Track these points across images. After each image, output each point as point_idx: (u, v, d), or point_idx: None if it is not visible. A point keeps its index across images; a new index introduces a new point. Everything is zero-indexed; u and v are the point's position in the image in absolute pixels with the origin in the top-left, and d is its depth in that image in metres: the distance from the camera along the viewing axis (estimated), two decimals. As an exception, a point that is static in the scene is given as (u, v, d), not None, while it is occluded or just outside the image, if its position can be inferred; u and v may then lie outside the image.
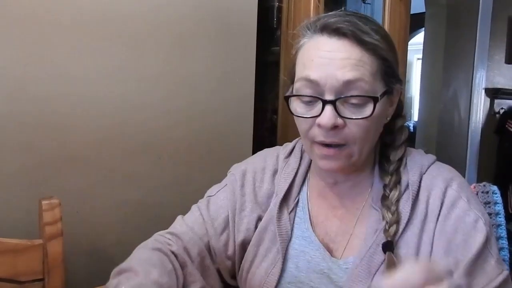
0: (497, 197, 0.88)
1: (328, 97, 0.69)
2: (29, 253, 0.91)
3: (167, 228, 0.86)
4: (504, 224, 0.87)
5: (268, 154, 0.89)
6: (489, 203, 0.88)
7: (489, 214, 0.84)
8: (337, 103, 0.69)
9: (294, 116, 0.75)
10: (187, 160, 1.37)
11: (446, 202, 0.73)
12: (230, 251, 0.83)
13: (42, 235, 0.92)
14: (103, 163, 1.22)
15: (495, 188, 0.89)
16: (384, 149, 0.79)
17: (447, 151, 3.21)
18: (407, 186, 0.75)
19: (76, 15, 1.15)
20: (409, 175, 0.76)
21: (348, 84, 0.68)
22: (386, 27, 1.63)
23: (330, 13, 0.74)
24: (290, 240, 0.80)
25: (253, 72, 1.47)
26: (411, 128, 4.62)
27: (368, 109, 0.69)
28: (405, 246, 0.72)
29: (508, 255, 0.85)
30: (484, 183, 0.90)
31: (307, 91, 0.71)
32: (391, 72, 0.73)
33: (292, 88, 0.75)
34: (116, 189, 1.25)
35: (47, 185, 1.13)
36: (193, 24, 1.32)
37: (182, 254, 0.78)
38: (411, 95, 6.65)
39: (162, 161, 1.32)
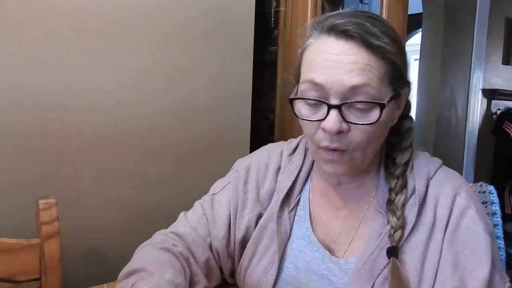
0: (493, 197, 0.88)
1: (334, 101, 0.68)
2: (26, 252, 0.91)
3: (164, 227, 0.85)
4: (501, 224, 0.87)
5: (272, 150, 0.88)
6: (485, 203, 0.88)
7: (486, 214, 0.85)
8: (343, 108, 0.67)
9: (299, 119, 0.73)
10: (184, 159, 1.36)
11: (455, 211, 0.71)
12: (230, 249, 0.83)
13: (39, 234, 0.91)
14: (100, 162, 1.22)
15: (491, 188, 0.89)
16: (390, 151, 0.78)
17: (444, 152, 3.21)
18: (414, 191, 0.73)
19: (73, 12, 1.15)
20: (416, 180, 0.74)
21: (354, 89, 0.66)
22: (383, 27, 1.63)
23: (338, 12, 0.72)
24: (288, 239, 0.80)
25: (250, 71, 1.46)
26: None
27: (374, 115, 0.68)
28: (410, 252, 0.70)
29: (505, 255, 0.86)
30: (481, 183, 0.90)
31: (312, 94, 0.69)
32: (399, 76, 0.71)
33: (297, 89, 0.74)
34: (113, 188, 1.24)
35: (43, 184, 1.13)
36: (190, 24, 1.32)
37: (187, 254, 0.78)
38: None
39: (159, 160, 1.32)
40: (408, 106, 0.78)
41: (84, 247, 1.21)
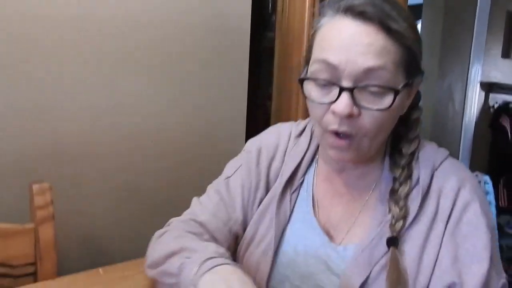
0: (488, 187, 0.88)
1: (346, 83, 0.66)
2: (21, 237, 0.91)
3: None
4: (495, 214, 0.87)
5: (282, 131, 0.87)
6: (480, 193, 0.88)
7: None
8: (355, 91, 0.65)
9: (308, 101, 0.72)
10: (179, 145, 1.36)
11: (458, 204, 0.70)
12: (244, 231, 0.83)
13: (33, 219, 0.91)
14: (94, 149, 1.22)
15: (487, 177, 0.89)
16: (397, 141, 0.77)
17: (440, 144, 3.18)
18: (418, 181, 0.73)
19: (75, 17, 1.14)
20: (421, 171, 0.73)
21: (368, 71, 0.64)
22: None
23: None
24: (289, 221, 0.79)
25: (246, 58, 1.46)
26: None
27: (387, 100, 0.66)
28: (410, 242, 0.70)
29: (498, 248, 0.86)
30: (476, 173, 0.90)
31: (324, 75, 0.67)
32: (414, 63, 0.70)
33: (307, 70, 0.72)
34: (107, 175, 1.24)
35: (38, 170, 1.13)
36: (185, 7, 1.31)
37: (212, 242, 0.76)
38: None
39: (155, 145, 1.32)
40: (417, 96, 0.77)
41: (79, 232, 1.21)
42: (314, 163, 0.83)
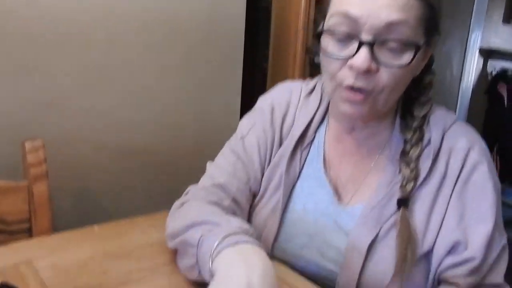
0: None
1: (366, 37, 0.64)
2: (15, 194, 0.90)
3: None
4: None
5: (293, 89, 0.86)
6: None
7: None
8: (375, 45, 0.64)
9: (322, 56, 0.71)
10: (174, 103, 1.35)
11: (467, 165, 0.71)
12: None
13: (26, 176, 0.91)
14: (88, 106, 1.20)
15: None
16: (408, 103, 0.77)
17: (437, 111, 3.21)
18: (429, 142, 0.73)
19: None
20: (432, 132, 0.74)
21: (390, 26, 0.63)
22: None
23: None
24: (298, 179, 0.80)
25: (243, 17, 1.42)
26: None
27: (406, 57, 0.65)
28: (419, 201, 0.71)
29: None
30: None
31: (343, 28, 0.66)
32: (434, 22, 0.69)
33: (323, 24, 0.70)
34: (101, 130, 1.23)
35: (30, 127, 1.12)
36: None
37: (234, 208, 0.77)
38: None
39: (148, 102, 1.31)
40: (431, 59, 0.76)
41: (73, 189, 1.21)
42: (325, 122, 0.83)
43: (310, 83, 0.87)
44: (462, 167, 0.72)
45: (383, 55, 0.65)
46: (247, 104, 1.34)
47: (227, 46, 1.41)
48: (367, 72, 0.65)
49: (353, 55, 0.65)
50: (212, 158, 0.88)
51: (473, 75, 3.27)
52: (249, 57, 1.50)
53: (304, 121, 0.82)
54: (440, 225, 0.70)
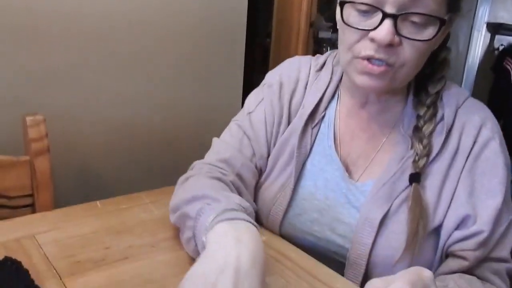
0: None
1: (390, 9, 0.64)
2: (17, 169, 0.91)
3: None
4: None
5: (302, 64, 0.85)
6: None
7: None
8: (399, 19, 0.63)
9: (341, 26, 0.70)
10: (175, 78, 1.34)
11: (479, 141, 0.72)
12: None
13: (28, 151, 0.91)
14: (90, 80, 1.19)
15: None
16: (422, 80, 0.76)
17: (442, 87, 3.17)
18: (442, 118, 0.73)
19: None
20: (445, 109, 0.74)
21: None
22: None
23: None
24: (308, 155, 0.80)
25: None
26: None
27: (429, 31, 0.65)
28: (431, 177, 0.72)
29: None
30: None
31: (367, 0, 0.65)
32: None
33: None
34: (102, 106, 1.23)
35: (31, 102, 1.11)
36: None
37: (238, 183, 0.77)
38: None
39: (151, 79, 1.30)
40: (447, 35, 0.76)
41: (76, 164, 1.22)
42: (335, 98, 0.82)
43: (321, 58, 0.86)
44: (474, 143, 0.72)
45: (406, 29, 0.65)
46: (249, 80, 1.33)
47: (229, 21, 1.39)
48: (389, 46, 0.65)
49: (376, 27, 0.64)
50: (213, 134, 0.88)
51: (480, 50, 3.22)
52: (251, 32, 1.48)
53: (315, 97, 0.81)
54: (450, 200, 0.71)
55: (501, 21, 3.22)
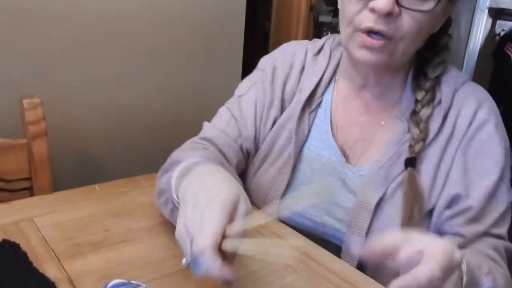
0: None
1: None
2: (14, 152, 0.90)
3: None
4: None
5: (297, 49, 0.85)
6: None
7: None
8: None
9: (342, 0, 0.70)
10: (174, 63, 1.33)
11: (474, 123, 0.72)
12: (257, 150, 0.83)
13: (25, 134, 0.90)
14: (88, 63, 1.18)
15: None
16: (422, 64, 0.76)
17: (442, 72, 3.16)
18: (439, 102, 0.73)
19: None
20: (443, 92, 0.74)
21: None
22: None
23: None
24: (306, 141, 0.80)
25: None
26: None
27: (429, 4, 0.65)
28: (426, 161, 0.72)
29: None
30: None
31: None
32: None
33: None
34: (102, 91, 1.22)
35: (28, 85, 1.10)
36: None
37: (220, 158, 0.76)
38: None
39: (149, 63, 1.28)
40: (448, 21, 0.75)
41: (75, 148, 1.21)
42: (333, 83, 0.82)
43: (318, 42, 0.85)
44: (469, 125, 0.72)
45: (406, 0, 0.65)
46: (248, 64, 1.31)
47: (229, 5, 1.37)
48: (389, 15, 0.65)
49: None
50: (212, 118, 0.87)
51: (481, 35, 3.19)
52: (251, 16, 1.46)
53: (312, 83, 0.81)
54: (444, 182, 0.71)
55: (503, 6, 3.19)
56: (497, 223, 0.70)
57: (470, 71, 3.23)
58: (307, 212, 0.78)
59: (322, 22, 1.85)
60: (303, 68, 0.83)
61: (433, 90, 0.74)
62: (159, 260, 0.66)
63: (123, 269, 0.63)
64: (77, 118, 1.19)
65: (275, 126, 0.81)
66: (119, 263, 0.64)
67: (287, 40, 0.91)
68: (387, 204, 0.71)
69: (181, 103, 1.36)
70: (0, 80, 1.07)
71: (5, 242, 0.63)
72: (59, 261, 0.63)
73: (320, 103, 0.81)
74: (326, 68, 0.82)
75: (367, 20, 0.66)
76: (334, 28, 1.84)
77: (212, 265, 0.46)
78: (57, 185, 0.93)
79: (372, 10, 0.65)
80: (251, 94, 0.83)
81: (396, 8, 0.64)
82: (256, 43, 1.63)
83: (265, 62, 0.86)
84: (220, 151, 0.78)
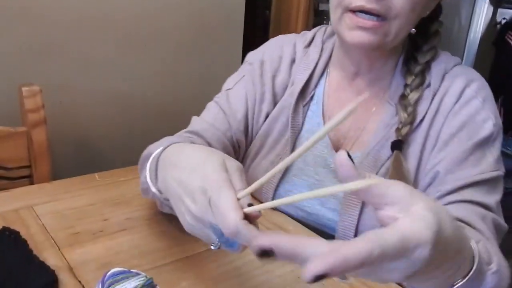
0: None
1: None
2: (14, 140, 0.90)
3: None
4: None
5: (284, 42, 0.84)
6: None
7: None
8: None
9: None
10: (174, 49, 1.32)
11: (460, 101, 0.71)
12: (249, 144, 0.83)
13: (25, 122, 0.90)
14: (87, 51, 1.17)
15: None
16: (413, 51, 0.76)
17: (442, 61, 3.14)
18: (429, 85, 0.73)
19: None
20: (432, 75, 0.73)
21: None
22: None
23: None
24: (299, 133, 0.80)
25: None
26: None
27: None
28: (414, 143, 0.72)
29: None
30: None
31: None
32: None
33: None
34: (102, 79, 1.22)
35: (26, 72, 1.10)
36: None
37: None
38: None
39: (148, 50, 1.28)
40: (439, 8, 0.75)
41: (74, 137, 1.21)
42: (325, 75, 0.81)
43: (308, 33, 0.84)
44: (456, 102, 0.71)
45: None
46: (248, 52, 1.30)
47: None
48: None
49: None
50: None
51: (482, 24, 3.17)
52: (250, 4, 1.45)
53: (304, 75, 0.80)
54: (428, 160, 0.71)
55: (505, -6, 3.17)
56: (487, 194, 0.67)
57: (471, 60, 3.22)
58: (300, 203, 0.78)
59: (322, 11, 1.84)
60: (293, 60, 0.82)
61: (422, 74, 0.74)
62: (158, 248, 0.66)
63: (122, 258, 0.63)
64: (77, 106, 1.19)
65: (267, 120, 0.81)
66: (118, 251, 0.65)
67: (287, 28, 0.91)
68: None
69: (180, 91, 1.36)
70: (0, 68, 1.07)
71: (5, 229, 0.63)
72: (58, 249, 0.64)
73: (312, 96, 0.81)
74: (318, 60, 0.81)
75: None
76: (334, 16, 1.82)
77: (250, 235, 0.42)
78: (56, 174, 0.94)
79: None
80: (240, 87, 0.82)
81: None
82: (256, 31, 1.62)
83: (252, 56, 0.86)
84: (209, 144, 0.77)
